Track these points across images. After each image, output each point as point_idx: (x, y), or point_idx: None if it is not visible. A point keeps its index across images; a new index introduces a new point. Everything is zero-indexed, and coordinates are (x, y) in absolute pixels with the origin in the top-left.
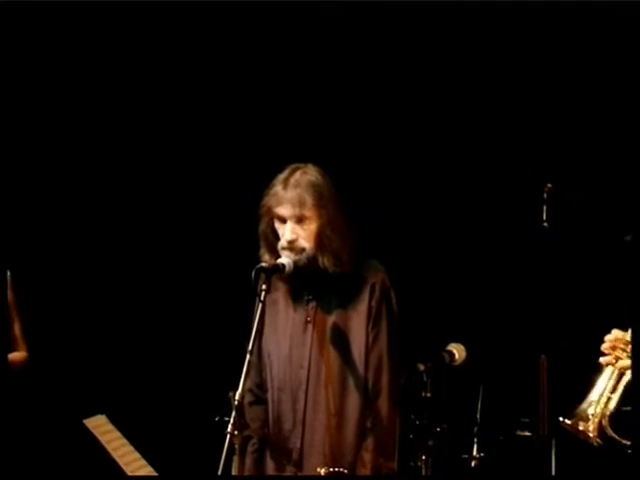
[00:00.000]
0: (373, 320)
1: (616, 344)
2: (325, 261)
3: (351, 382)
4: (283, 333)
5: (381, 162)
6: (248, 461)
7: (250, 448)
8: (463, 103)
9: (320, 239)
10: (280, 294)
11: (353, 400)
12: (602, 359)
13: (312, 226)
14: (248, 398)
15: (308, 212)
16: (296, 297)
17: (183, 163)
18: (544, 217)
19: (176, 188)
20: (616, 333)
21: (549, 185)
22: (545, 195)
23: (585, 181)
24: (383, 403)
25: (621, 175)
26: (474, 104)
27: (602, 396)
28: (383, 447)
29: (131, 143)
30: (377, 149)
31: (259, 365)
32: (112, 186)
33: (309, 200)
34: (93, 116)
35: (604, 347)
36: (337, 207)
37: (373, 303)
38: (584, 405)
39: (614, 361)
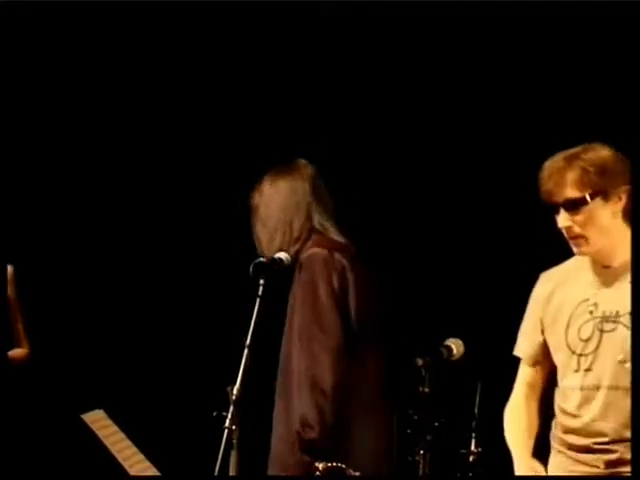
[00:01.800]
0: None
1: None
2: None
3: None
4: None
5: (381, 159)
6: None
7: None
8: (463, 102)
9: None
10: None
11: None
12: None
13: (259, 211)
14: None
15: (258, 198)
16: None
17: (183, 158)
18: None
19: (176, 183)
20: None
21: None
22: None
23: None
24: (292, 385)
25: None
26: (474, 103)
27: None
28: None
29: (132, 140)
30: (377, 147)
31: None
32: (113, 182)
33: (262, 187)
34: (93, 114)
35: None
36: (285, 198)
37: (295, 286)
38: None
39: None
